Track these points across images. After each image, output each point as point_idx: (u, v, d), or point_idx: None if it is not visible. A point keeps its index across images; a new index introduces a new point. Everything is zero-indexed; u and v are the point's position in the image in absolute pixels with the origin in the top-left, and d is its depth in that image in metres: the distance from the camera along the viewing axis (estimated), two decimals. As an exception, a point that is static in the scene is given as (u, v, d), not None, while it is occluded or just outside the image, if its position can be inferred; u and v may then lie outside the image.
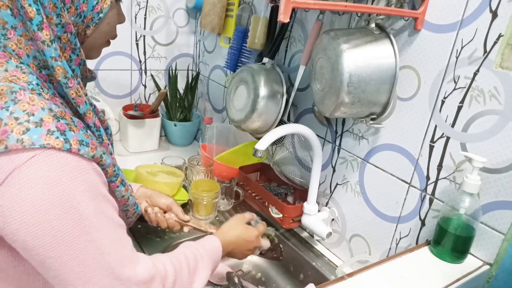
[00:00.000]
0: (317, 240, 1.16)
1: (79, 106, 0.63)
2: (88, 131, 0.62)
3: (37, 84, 0.58)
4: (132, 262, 0.61)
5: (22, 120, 0.53)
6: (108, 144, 0.71)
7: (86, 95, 0.66)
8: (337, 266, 1.06)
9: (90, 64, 1.49)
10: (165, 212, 0.95)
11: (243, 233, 0.88)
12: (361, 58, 0.80)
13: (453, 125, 0.81)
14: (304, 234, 1.19)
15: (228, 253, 0.85)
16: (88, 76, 0.71)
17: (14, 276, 0.60)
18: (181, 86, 1.74)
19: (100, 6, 0.63)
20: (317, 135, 1.03)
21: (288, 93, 1.10)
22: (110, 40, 0.71)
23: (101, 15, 0.63)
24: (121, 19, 0.70)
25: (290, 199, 1.26)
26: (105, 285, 0.57)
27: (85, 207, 0.56)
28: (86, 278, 0.56)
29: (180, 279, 0.69)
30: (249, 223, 0.94)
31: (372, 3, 0.91)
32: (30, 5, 0.55)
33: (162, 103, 1.68)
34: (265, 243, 0.93)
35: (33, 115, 0.54)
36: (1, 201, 0.51)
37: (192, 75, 1.79)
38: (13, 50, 0.58)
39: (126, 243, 0.63)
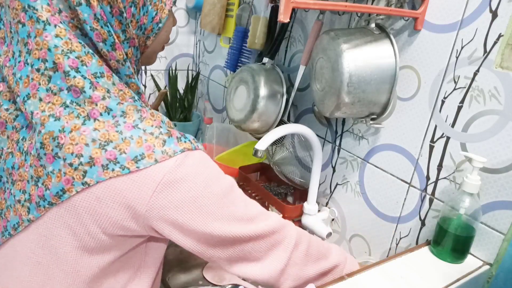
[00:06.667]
0: (317, 240, 1.16)
1: None
2: None
3: (139, 97, 0.62)
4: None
5: (157, 134, 0.58)
6: None
7: None
8: (337, 266, 1.06)
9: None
10: None
11: None
12: (361, 58, 0.80)
13: (453, 125, 0.81)
14: (304, 234, 1.19)
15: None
16: None
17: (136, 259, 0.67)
18: (181, 86, 1.74)
19: (159, 17, 0.63)
20: (317, 135, 1.03)
21: (288, 93, 1.10)
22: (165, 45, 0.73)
23: (160, 25, 0.64)
24: (174, 22, 0.71)
25: (290, 199, 1.26)
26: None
27: (227, 185, 0.63)
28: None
29: (302, 254, 0.73)
30: None
31: (372, 3, 0.91)
32: (101, 27, 0.55)
33: (162, 103, 1.68)
34: None
35: (160, 127, 0.59)
36: (161, 202, 0.57)
37: (192, 75, 1.79)
38: None
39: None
